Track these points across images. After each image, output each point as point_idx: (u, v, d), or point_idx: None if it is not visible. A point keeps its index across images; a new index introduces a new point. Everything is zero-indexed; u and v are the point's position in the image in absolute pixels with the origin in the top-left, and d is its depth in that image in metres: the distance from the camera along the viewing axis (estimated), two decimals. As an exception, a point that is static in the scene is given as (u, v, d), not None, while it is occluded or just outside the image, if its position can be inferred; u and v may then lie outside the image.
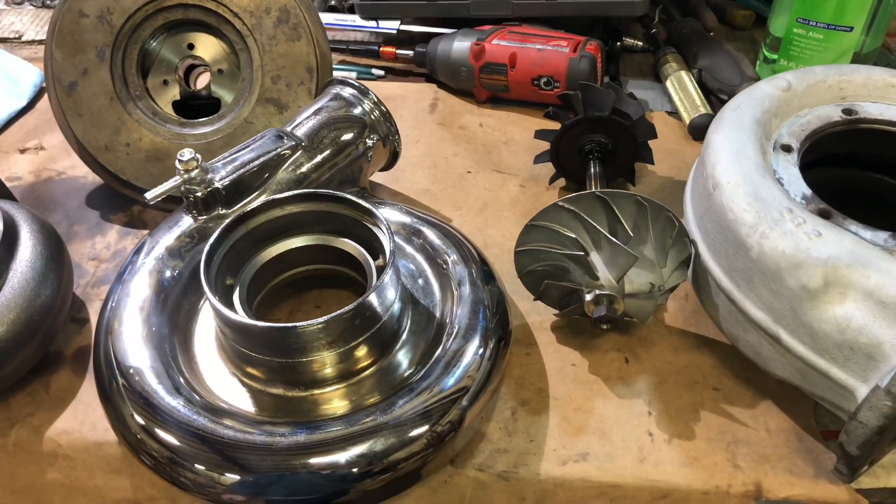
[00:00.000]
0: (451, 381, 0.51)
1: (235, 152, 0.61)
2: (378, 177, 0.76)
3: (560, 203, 0.57)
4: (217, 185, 0.59)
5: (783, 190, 0.52)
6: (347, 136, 0.66)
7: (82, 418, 0.56)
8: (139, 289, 0.56)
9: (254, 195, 0.61)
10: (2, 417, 0.56)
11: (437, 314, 0.57)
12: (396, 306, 0.55)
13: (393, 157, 0.72)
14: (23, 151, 0.82)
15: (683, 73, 0.89)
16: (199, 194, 0.58)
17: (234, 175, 0.59)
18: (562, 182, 0.77)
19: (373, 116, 0.67)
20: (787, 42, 0.85)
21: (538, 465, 0.53)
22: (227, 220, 0.56)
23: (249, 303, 0.57)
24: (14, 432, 0.56)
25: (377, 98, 0.68)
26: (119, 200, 0.75)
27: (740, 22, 1.03)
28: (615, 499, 0.53)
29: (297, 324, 0.49)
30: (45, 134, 0.84)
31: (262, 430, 0.48)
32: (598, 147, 0.70)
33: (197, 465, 0.48)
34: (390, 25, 0.97)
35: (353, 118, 0.66)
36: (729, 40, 1.00)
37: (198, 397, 0.51)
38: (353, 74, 0.95)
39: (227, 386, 0.54)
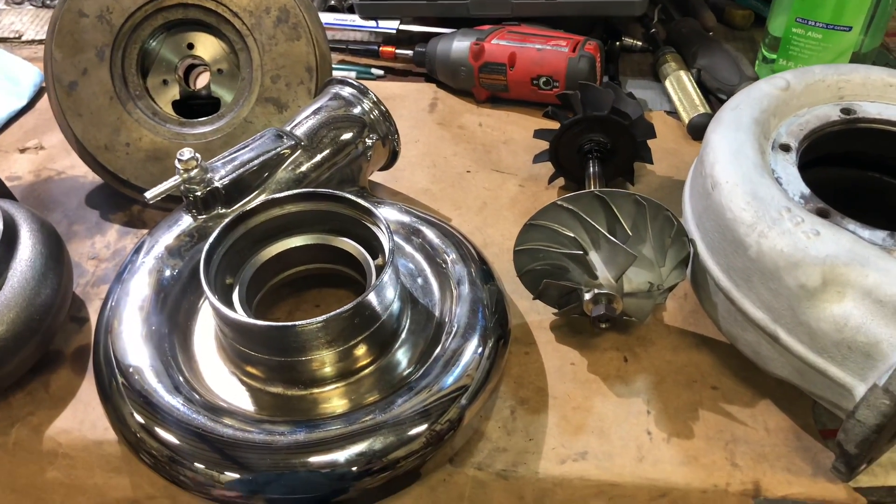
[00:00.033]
0: (450, 379, 0.51)
1: (235, 152, 0.61)
2: (377, 176, 0.76)
3: (559, 202, 0.57)
4: (216, 184, 0.59)
5: (782, 189, 0.52)
6: (347, 136, 0.66)
7: (82, 417, 0.57)
8: (139, 288, 0.56)
9: (253, 194, 0.61)
10: (2, 416, 0.57)
11: (437, 313, 0.57)
12: (395, 305, 0.55)
13: (392, 157, 0.72)
14: (23, 151, 0.83)
15: (682, 73, 0.89)
16: (198, 193, 0.58)
17: (234, 174, 0.60)
18: (561, 181, 0.77)
19: (372, 116, 0.68)
20: (786, 42, 0.85)
21: (537, 464, 0.53)
22: (227, 220, 0.56)
23: (249, 302, 0.57)
24: (14, 431, 0.56)
25: (376, 98, 0.68)
26: (119, 200, 0.75)
27: (739, 21, 1.04)
28: (614, 497, 0.53)
29: (297, 323, 0.49)
30: (44, 133, 0.84)
31: (261, 429, 0.49)
32: (597, 146, 0.71)
33: (196, 464, 0.48)
34: (390, 25, 0.97)
35: (352, 118, 0.67)
36: (728, 40, 1.00)
37: (197, 396, 0.51)
38: (353, 74, 0.95)
39: (226, 385, 0.54)
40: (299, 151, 0.63)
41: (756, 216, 0.50)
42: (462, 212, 0.74)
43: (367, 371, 0.54)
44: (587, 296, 0.56)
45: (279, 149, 0.62)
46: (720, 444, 0.54)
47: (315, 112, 0.66)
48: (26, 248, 0.57)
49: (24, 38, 1.03)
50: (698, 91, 0.86)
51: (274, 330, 0.51)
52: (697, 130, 0.82)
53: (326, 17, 0.97)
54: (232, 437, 0.48)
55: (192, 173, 0.57)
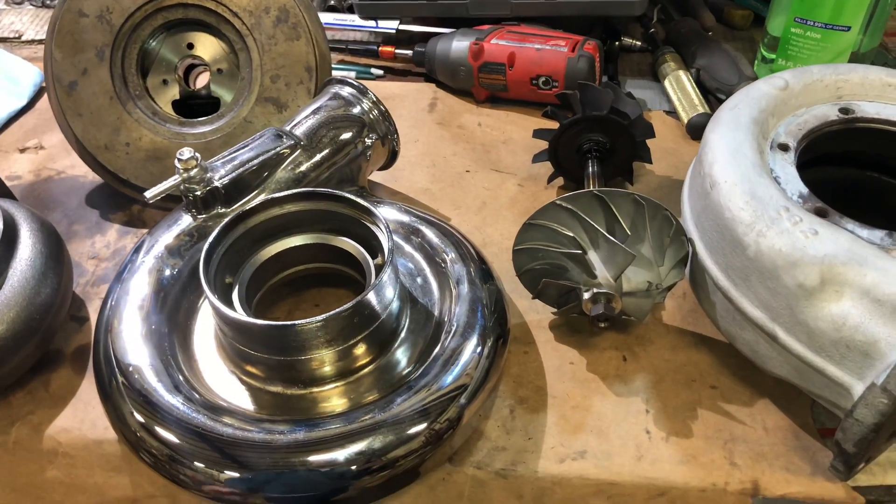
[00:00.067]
0: (449, 379, 0.51)
1: (234, 151, 0.62)
2: (377, 176, 0.76)
3: (558, 202, 0.57)
4: (216, 183, 0.59)
5: (780, 189, 0.52)
6: (346, 136, 0.66)
7: (82, 416, 0.57)
8: (139, 287, 0.56)
9: (253, 194, 0.61)
10: (2, 415, 0.57)
11: (436, 312, 0.57)
12: (395, 304, 0.55)
13: (392, 157, 0.72)
14: (23, 151, 0.83)
15: (681, 73, 0.89)
16: (198, 193, 0.59)
17: (234, 174, 0.60)
18: (560, 181, 0.78)
19: (371, 116, 0.68)
20: (785, 41, 0.85)
21: (536, 463, 0.53)
22: (227, 219, 0.56)
23: (248, 301, 0.57)
24: (14, 430, 0.56)
25: (376, 97, 0.68)
26: (118, 199, 0.75)
27: (738, 21, 1.04)
28: (613, 496, 0.53)
29: (296, 322, 0.50)
30: (44, 133, 0.84)
31: (260, 428, 0.49)
32: (597, 146, 0.71)
33: (196, 463, 0.48)
34: (389, 25, 0.97)
35: (352, 117, 0.67)
36: (727, 40, 1.00)
37: (197, 395, 0.51)
38: (352, 74, 0.95)
39: (226, 384, 0.54)
40: (299, 151, 0.63)
41: (754, 215, 0.50)
42: (461, 211, 0.75)
43: (366, 370, 0.54)
44: (586, 295, 0.56)
45: (279, 148, 0.62)
46: (719, 443, 0.54)
47: (314, 112, 0.66)
48: (26, 248, 0.57)
49: (24, 38, 1.03)
50: (697, 91, 0.86)
51: (273, 329, 0.51)
52: (696, 130, 0.82)
53: (326, 17, 0.97)
54: (231, 436, 0.48)
55: (192, 173, 0.58)
